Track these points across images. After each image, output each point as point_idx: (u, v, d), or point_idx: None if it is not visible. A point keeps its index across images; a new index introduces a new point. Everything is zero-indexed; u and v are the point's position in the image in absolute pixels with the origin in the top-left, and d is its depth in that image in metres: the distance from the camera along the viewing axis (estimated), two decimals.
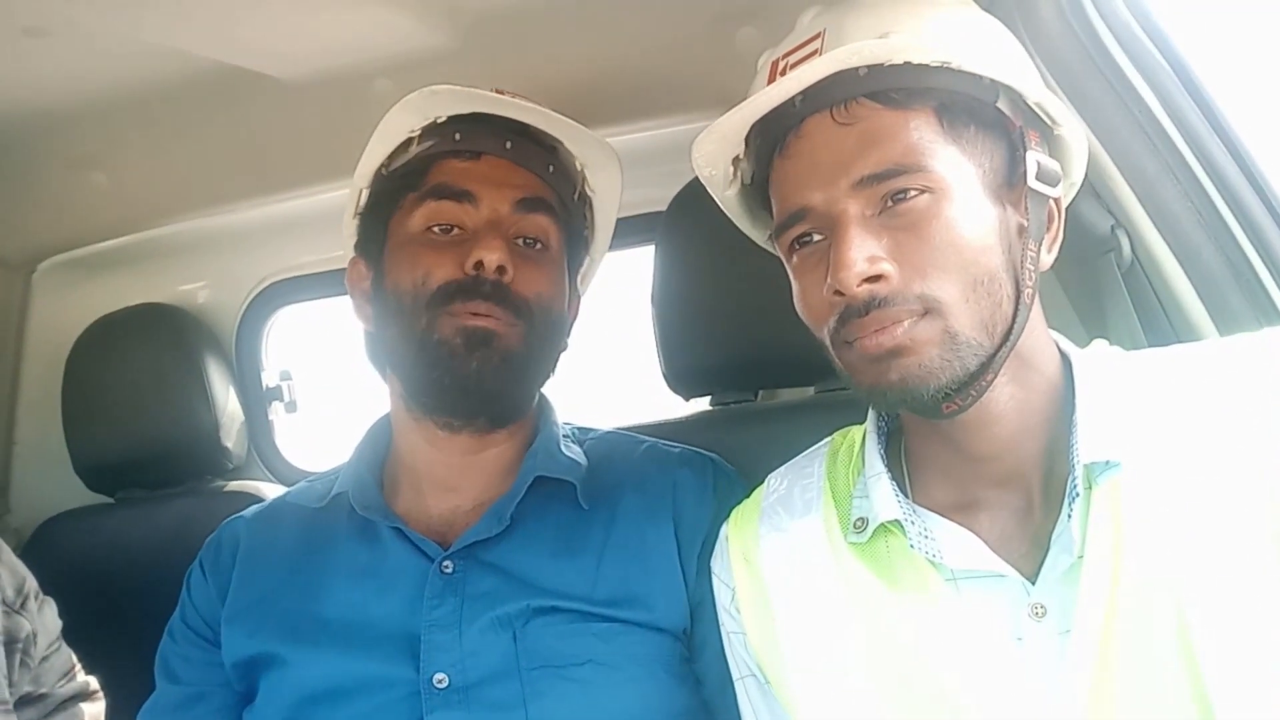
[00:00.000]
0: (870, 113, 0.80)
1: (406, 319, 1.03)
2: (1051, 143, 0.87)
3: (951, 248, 0.77)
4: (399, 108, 1.06)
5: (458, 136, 1.06)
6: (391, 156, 1.09)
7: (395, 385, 1.11)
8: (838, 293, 0.78)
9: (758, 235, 1.00)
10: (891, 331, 0.77)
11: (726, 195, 0.95)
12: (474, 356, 1.00)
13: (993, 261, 0.79)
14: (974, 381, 0.78)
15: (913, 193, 0.78)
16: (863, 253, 0.77)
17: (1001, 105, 0.82)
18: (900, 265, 0.77)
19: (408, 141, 1.08)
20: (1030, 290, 0.80)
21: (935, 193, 0.78)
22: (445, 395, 1.03)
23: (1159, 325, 1.04)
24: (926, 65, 0.80)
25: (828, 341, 0.83)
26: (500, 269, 1.00)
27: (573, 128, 1.10)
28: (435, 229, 1.05)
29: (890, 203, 0.78)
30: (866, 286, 0.77)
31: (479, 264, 1.00)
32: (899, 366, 0.77)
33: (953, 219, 0.77)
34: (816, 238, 0.82)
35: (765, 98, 0.83)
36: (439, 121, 1.07)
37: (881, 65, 0.80)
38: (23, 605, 1.10)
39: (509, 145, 1.07)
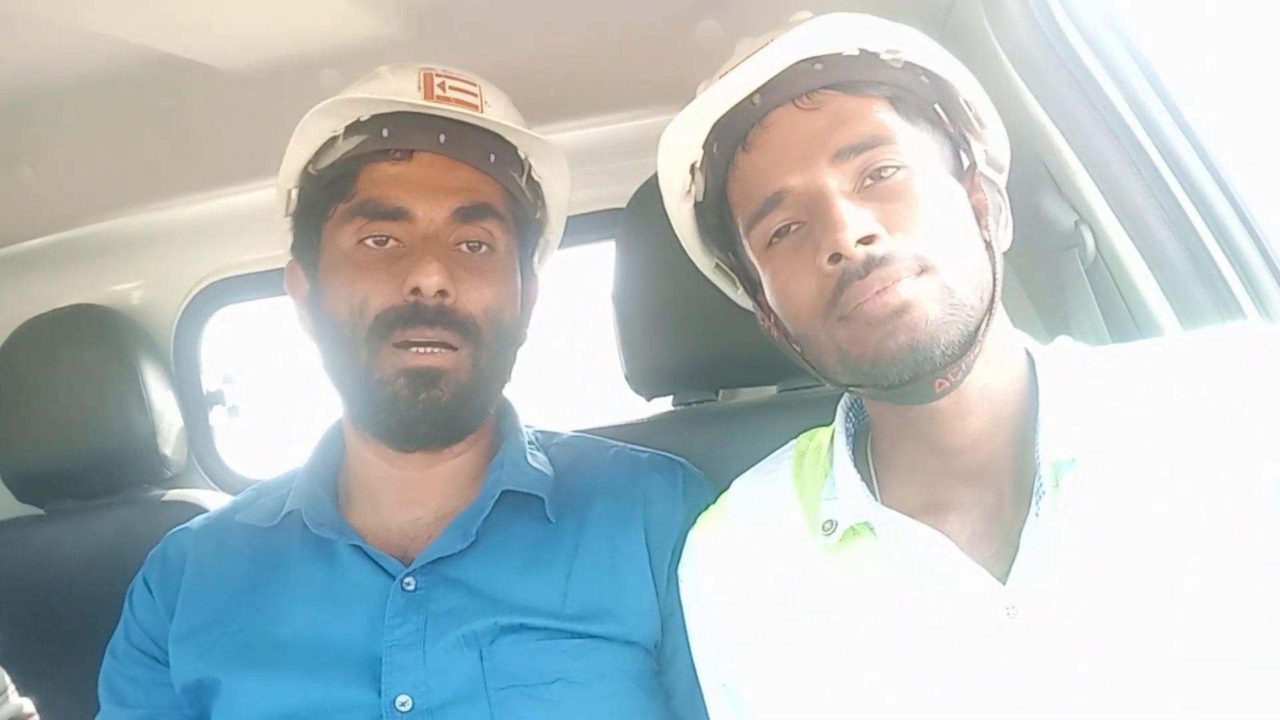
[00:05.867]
0: (832, 98, 0.83)
1: (346, 349, 0.98)
2: (980, 143, 0.89)
3: (935, 214, 0.79)
4: (313, 114, 0.99)
5: (386, 133, 0.99)
6: (318, 154, 1.03)
7: (342, 403, 1.05)
8: (832, 259, 0.77)
9: (704, 262, 0.99)
10: (894, 289, 0.76)
11: (681, 209, 0.94)
12: (419, 399, 0.95)
13: (970, 232, 0.82)
14: (967, 351, 0.78)
15: (889, 170, 0.79)
16: (855, 216, 0.77)
17: (938, 106, 0.85)
18: (890, 229, 0.78)
19: (334, 138, 1.01)
20: (999, 266, 0.83)
21: (909, 169, 0.80)
22: (391, 432, 0.99)
23: (1122, 321, 1.05)
24: (876, 57, 0.83)
25: (818, 327, 0.81)
26: (441, 292, 0.95)
27: (503, 126, 1.03)
28: (369, 241, 0.99)
29: (870, 180, 0.80)
30: (863, 247, 0.76)
31: (417, 289, 0.94)
32: (905, 325, 0.76)
33: (930, 190, 0.80)
34: (794, 226, 0.82)
35: (726, 86, 0.83)
36: (363, 120, 1.00)
37: (838, 56, 0.83)
38: None
39: (443, 139, 0.99)
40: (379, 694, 0.92)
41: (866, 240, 0.76)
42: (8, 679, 1.12)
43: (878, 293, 0.76)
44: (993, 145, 0.90)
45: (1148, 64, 0.99)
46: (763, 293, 0.88)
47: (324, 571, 1.00)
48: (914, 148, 0.81)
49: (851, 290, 0.77)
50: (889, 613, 0.79)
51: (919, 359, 0.76)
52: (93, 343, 1.61)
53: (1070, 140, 1.02)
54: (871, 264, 0.76)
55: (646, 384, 1.34)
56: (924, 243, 0.78)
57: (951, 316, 0.77)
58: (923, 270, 0.77)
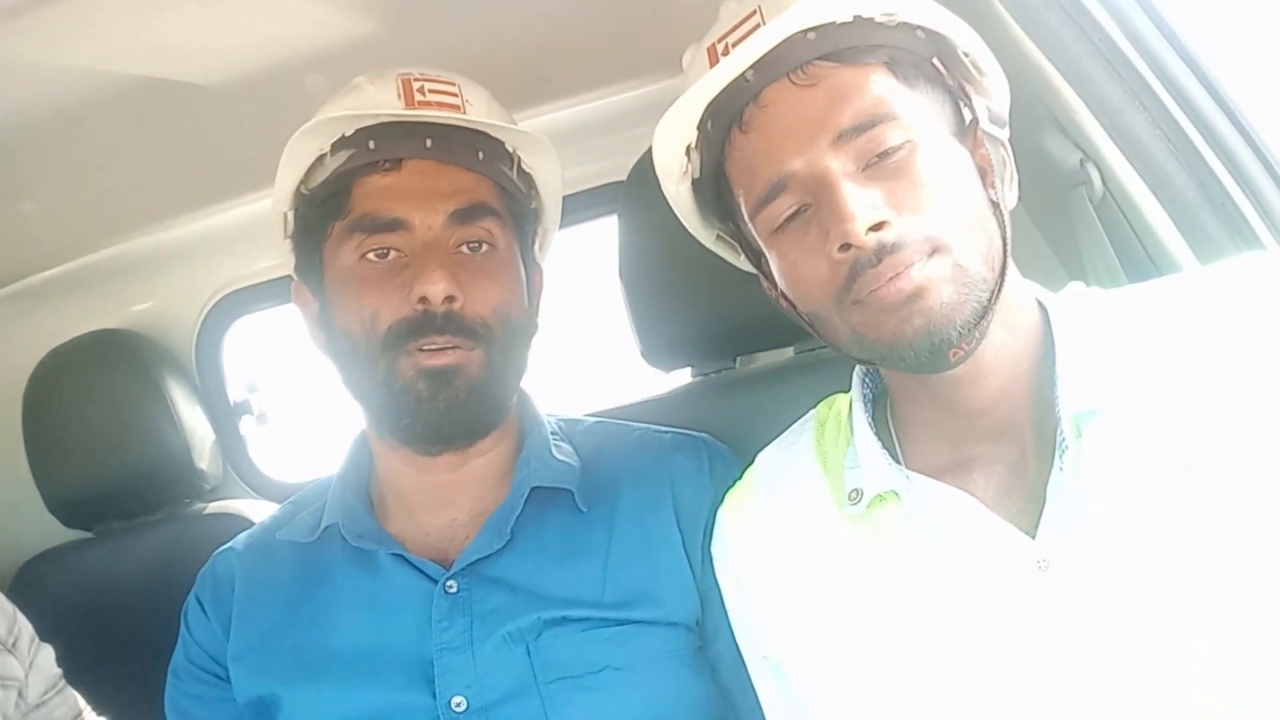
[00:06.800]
0: (829, 72, 0.80)
1: (363, 362, 0.99)
2: (981, 93, 0.87)
3: (942, 188, 0.78)
4: (298, 137, 0.99)
5: (372, 145, 0.99)
6: (309, 173, 1.03)
7: (365, 414, 1.07)
8: (843, 248, 0.76)
9: (705, 235, 0.98)
10: (908, 275, 0.75)
11: (679, 189, 0.93)
12: (440, 398, 0.96)
13: (978, 198, 0.80)
14: (981, 320, 0.77)
15: (893, 147, 0.77)
16: (863, 202, 0.75)
17: (936, 61, 0.83)
18: (899, 211, 0.76)
19: (322, 155, 1.01)
20: (1009, 227, 0.81)
21: (914, 142, 0.78)
22: (417, 436, 1.00)
23: (1135, 256, 1.03)
24: (871, 21, 0.81)
25: (831, 309, 0.80)
26: (449, 298, 0.95)
27: (487, 125, 1.03)
28: (371, 255, 0.99)
29: (876, 159, 0.78)
30: (874, 235, 0.75)
31: (425, 298, 0.95)
32: (921, 310, 0.76)
33: (935, 162, 0.78)
34: (803, 209, 0.80)
35: (721, 72, 0.81)
36: (347, 135, 1.00)
37: (832, 24, 0.80)
38: (14, 644, 1.07)
39: (430, 144, 0.99)
40: (434, 696, 0.95)
41: (877, 227, 0.75)
42: (81, 701, 1.15)
43: (891, 279, 0.75)
44: (994, 97, 0.87)
45: None
46: (766, 262, 0.88)
47: (368, 581, 1.02)
48: (916, 116, 0.79)
49: (865, 278, 0.76)
50: (921, 574, 0.80)
51: (936, 341, 0.76)
52: (117, 366, 1.63)
53: (1068, 77, 0.99)
54: (883, 251, 0.75)
55: (663, 357, 1.34)
56: (934, 222, 0.76)
57: (965, 295, 0.76)
58: (934, 251, 0.76)
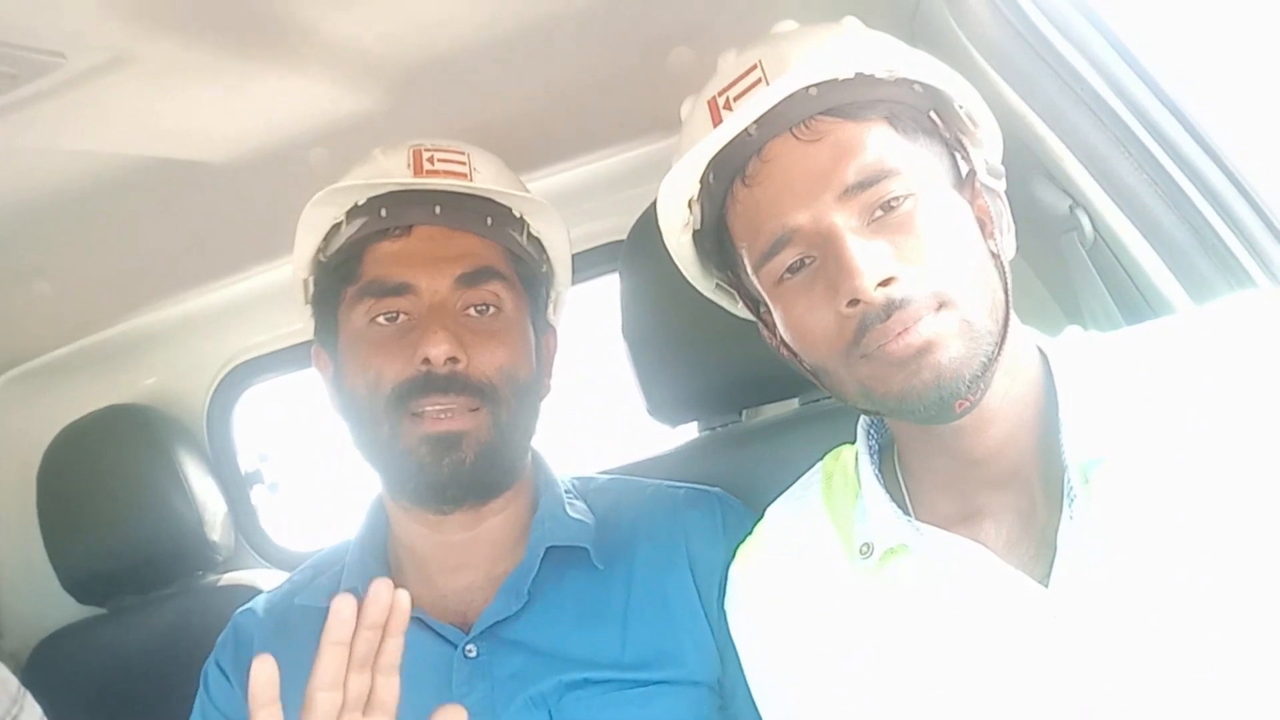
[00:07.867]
0: (832, 127, 0.80)
1: (368, 423, 1.01)
2: (976, 145, 0.88)
3: (946, 241, 0.78)
4: (311, 205, 1.03)
5: (384, 212, 1.02)
6: (326, 239, 1.06)
7: (378, 476, 1.08)
8: (851, 304, 0.76)
9: (705, 285, 0.99)
10: (916, 330, 0.76)
11: (681, 241, 0.94)
12: (444, 464, 0.98)
13: (980, 251, 0.81)
14: (986, 371, 0.78)
15: (897, 200, 0.78)
16: (870, 257, 0.76)
17: (933, 114, 0.84)
18: (905, 266, 0.77)
19: (338, 223, 1.05)
20: (1009, 278, 0.82)
21: (917, 195, 0.79)
22: (424, 498, 1.02)
23: (1131, 299, 1.04)
24: (872, 77, 0.82)
25: (838, 363, 0.81)
26: (452, 359, 0.97)
27: (491, 191, 1.05)
28: (380, 319, 1.02)
29: (880, 212, 0.79)
30: (882, 290, 0.76)
31: (427, 359, 0.97)
32: (930, 365, 0.76)
33: (938, 215, 0.79)
34: (807, 261, 0.81)
35: (726, 128, 0.82)
36: (360, 204, 1.03)
37: (834, 80, 0.81)
38: None
39: (439, 210, 1.03)
40: None
41: (885, 283, 0.76)
42: None
43: (899, 334, 0.76)
44: (988, 147, 0.89)
45: (1116, 38, 0.98)
46: (766, 310, 0.88)
47: None
48: (917, 169, 0.80)
49: (873, 333, 0.77)
50: (935, 626, 0.80)
51: (945, 395, 0.76)
52: (130, 441, 1.64)
53: (1053, 126, 1.01)
54: (892, 307, 0.76)
55: (669, 413, 1.34)
56: (940, 276, 0.77)
57: (973, 349, 0.77)
58: (941, 305, 0.77)
